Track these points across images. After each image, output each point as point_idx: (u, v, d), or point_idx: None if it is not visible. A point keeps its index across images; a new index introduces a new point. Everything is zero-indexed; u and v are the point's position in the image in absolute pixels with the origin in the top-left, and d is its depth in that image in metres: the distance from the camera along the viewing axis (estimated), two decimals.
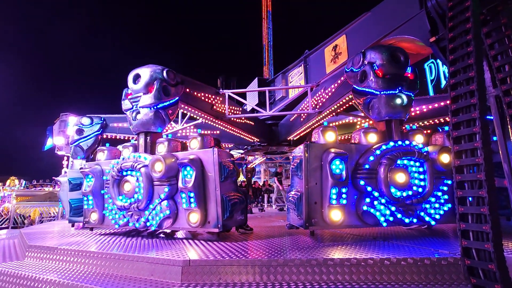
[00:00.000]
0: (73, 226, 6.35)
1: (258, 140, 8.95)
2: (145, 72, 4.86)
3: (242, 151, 10.79)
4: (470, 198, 2.45)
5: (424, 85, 18.28)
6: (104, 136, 7.60)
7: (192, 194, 4.13)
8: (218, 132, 8.04)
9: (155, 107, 4.84)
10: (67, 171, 7.38)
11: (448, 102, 2.93)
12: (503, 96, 3.05)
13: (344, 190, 3.89)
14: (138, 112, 4.91)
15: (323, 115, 6.53)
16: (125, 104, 5.07)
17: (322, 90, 6.46)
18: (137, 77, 4.92)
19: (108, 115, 7.73)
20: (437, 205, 4.17)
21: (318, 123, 6.97)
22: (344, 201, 3.91)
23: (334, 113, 6.44)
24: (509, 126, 3.06)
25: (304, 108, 7.28)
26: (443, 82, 17.38)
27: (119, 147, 5.47)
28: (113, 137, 7.92)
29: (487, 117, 2.76)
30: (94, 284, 3.01)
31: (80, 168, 5.51)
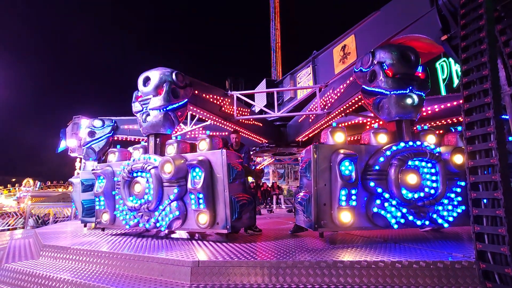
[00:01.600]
0: (85, 226, 6.49)
1: (266, 141, 8.95)
2: (154, 75, 4.94)
3: (251, 152, 10.79)
4: (485, 200, 2.38)
5: (436, 84, 17.89)
6: (115, 138, 7.74)
7: (201, 195, 4.15)
8: (226, 133, 8.08)
9: (164, 109, 4.91)
10: (79, 172, 7.54)
11: (461, 101, 2.86)
12: None
13: (353, 191, 3.84)
14: (148, 114, 4.98)
15: (332, 115, 6.48)
16: (135, 106, 5.16)
17: (330, 91, 6.41)
18: (146, 80, 4.99)
19: (119, 118, 7.88)
20: (450, 207, 4.06)
21: (327, 124, 6.92)
22: (354, 203, 3.86)
23: (343, 114, 6.37)
24: None
25: (312, 109, 7.24)
26: (456, 81, 16.98)
27: (130, 148, 5.56)
28: (124, 139, 8.07)
29: (502, 116, 2.68)
30: (106, 284, 3.07)
31: (92, 170, 5.62)
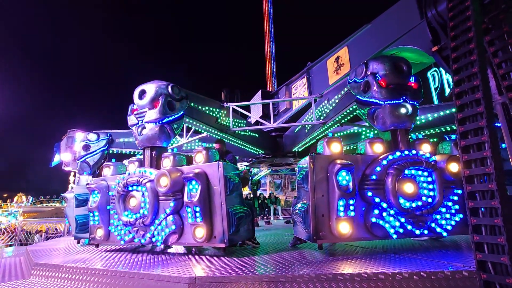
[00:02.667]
0: (78, 242, 6.33)
1: (263, 152, 8.94)
2: (150, 88, 4.95)
3: (247, 163, 10.77)
4: (483, 209, 2.38)
5: (428, 94, 18.22)
6: (110, 151, 7.66)
7: (197, 209, 4.10)
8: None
9: (160, 122, 4.89)
10: (73, 187, 7.41)
11: (453, 109, 2.90)
12: (510, 103, 3.01)
13: (351, 201, 3.83)
14: (144, 127, 4.96)
15: (328, 125, 6.52)
16: (131, 119, 5.14)
17: (325, 101, 6.47)
18: (142, 93, 5.00)
19: (114, 131, 7.83)
20: (448, 216, 4.06)
21: (323, 134, 6.95)
22: (352, 213, 3.83)
23: (338, 124, 6.42)
24: None
25: (308, 120, 7.29)
26: (447, 90, 17.32)
27: (125, 162, 5.50)
28: (119, 152, 7.99)
29: (495, 124, 2.72)
30: None
31: (87, 184, 5.53)
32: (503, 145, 3.66)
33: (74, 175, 9.65)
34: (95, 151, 7.17)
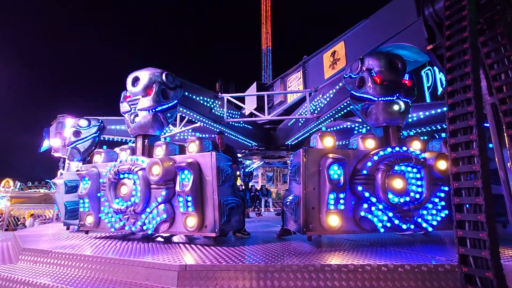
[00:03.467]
0: (68, 229, 6.28)
1: (256, 144, 8.95)
2: (144, 75, 4.86)
3: (240, 155, 10.78)
4: (467, 205, 2.46)
5: (421, 92, 18.44)
6: (102, 139, 7.56)
7: (189, 198, 4.10)
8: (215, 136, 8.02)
9: (153, 110, 4.84)
10: (63, 173, 7.32)
11: (444, 108, 2.95)
12: (499, 104, 3.08)
13: (342, 195, 3.89)
14: (136, 115, 4.90)
15: (321, 120, 6.56)
16: (123, 106, 5.06)
17: (320, 96, 6.49)
18: (136, 80, 4.91)
19: (106, 117, 7.71)
20: (434, 212, 4.17)
21: (316, 128, 7.00)
22: (342, 207, 3.90)
23: (332, 119, 6.47)
24: (505, 134, 3.08)
25: (302, 113, 7.31)
26: (440, 89, 17.56)
27: (117, 149, 5.44)
28: (110, 140, 7.89)
29: (484, 124, 2.78)
30: None
31: (77, 170, 5.46)
32: (490, 145, 3.76)
33: (64, 161, 9.51)
34: (86, 137, 7.06)
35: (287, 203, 4.34)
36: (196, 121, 6.67)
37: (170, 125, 6.58)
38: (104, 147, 5.60)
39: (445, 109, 2.99)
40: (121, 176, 4.70)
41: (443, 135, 4.76)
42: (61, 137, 8.80)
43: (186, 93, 5.72)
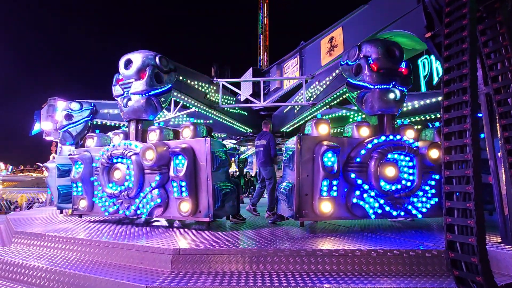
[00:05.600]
0: (61, 212, 6.27)
1: (251, 130, 8.92)
2: (137, 58, 4.74)
3: (235, 141, 10.76)
4: (457, 193, 2.50)
5: (417, 81, 18.40)
6: (94, 122, 7.43)
7: (183, 183, 4.10)
8: (211, 121, 7.96)
9: (147, 94, 4.75)
10: (55, 156, 7.22)
11: (439, 98, 2.95)
12: (494, 94, 3.08)
13: (335, 182, 3.93)
14: (129, 99, 4.80)
15: (317, 107, 6.52)
16: (116, 90, 4.95)
17: (316, 83, 6.43)
18: (128, 63, 4.79)
19: (98, 101, 7.55)
20: (424, 199, 4.26)
21: (312, 115, 6.97)
22: (335, 193, 3.96)
23: (327, 106, 6.44)
24: (497, 124, 3.11)
25: (298, 100, 7.26)
26: (436, 79, 17.56)
27: (110, 134, 5.36)
28: (103, 124, 7.76)
29: (477, 114, 2.80)
30: (82, 271, 3.00)
31: (69, 154, 5.40)
32: (482, 135, 3.80)
33: (56, 145, 9.38)
34: (78, 121, 6.92)
35: (281, 189, 4.38)
36: (191, 106, 6.58)
37: (164, 110, 6.48)
38: (97, 131, 5.53)
39: (440, 98, 2.98)
40: (114, 160, 4.66)
41: (437, 124, 4.80)
42: (52, 120, 8.65)
43: (181, 77, 5.60)
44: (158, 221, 5.00)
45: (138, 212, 4.50)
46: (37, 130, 9.57)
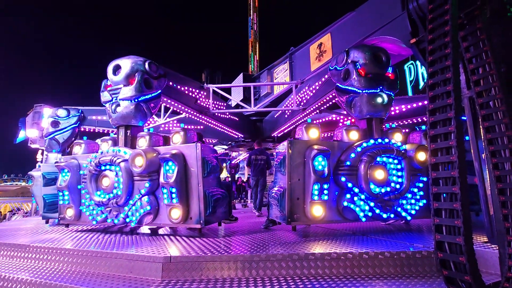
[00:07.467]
0: (47, 222, 6.08)
1: (242, 136, 8.92)
2: (125, 63, 4.69)
3: (226, 147, 10.72)
4: (444, 195, 2.56)
5: (403, 86, 18.89)
6: (82, 129, 7.29)
7: (174, 190, 4.05)
8: (201, 127, 7.93)
9: (136, 100, 4.69)
10: (41, 165, 7.03)
11: (425, 102, 3.03)
12: (476, 97, 3.19)
13: (326, 186, 3.96)
14: (118, 105, 4.74)
15: (307, 112, 6.59)
16: (104, 96, 4.87)
17: (306, 88, 6.51)
18: (117, 68, 4.74)
19: (86, 107, 7.42)
20: (413, 201, 4.33)
21: (302, 120, 7.03)
22: (326, 197, 3.98)
23: (317, 111, 6.51)
24: (480, 126, 3.21)
25: (288, 105, 7.32)
26: (422, 83, 18.05)
27: (98, 140, 5.27)
28: (91, 130, 7.62)
29: (461, 117, 2.88)
30: (69, 283, 2.90)
31: (55, 162, 5.26)
32: (467, 137, 3.92)
33: (42, 153, 9.14)
34: (65, 128, 6.78)
35: (273, 194, 4.38)
36: (181, 112, 6.54)
37: (154, 116, 6.42)
38: (85, 138, 5.42)
39: (426, 102, 3.06)
40: (103, 167, 4.57)
41: (423, 127, 4.91)
42: (38, 127, 8.43)
43: (171, 83, 5.57)
44: (149, 228, 4.91)
45: (127, 220, 4.41)
46: (22, 137, 9.30)
